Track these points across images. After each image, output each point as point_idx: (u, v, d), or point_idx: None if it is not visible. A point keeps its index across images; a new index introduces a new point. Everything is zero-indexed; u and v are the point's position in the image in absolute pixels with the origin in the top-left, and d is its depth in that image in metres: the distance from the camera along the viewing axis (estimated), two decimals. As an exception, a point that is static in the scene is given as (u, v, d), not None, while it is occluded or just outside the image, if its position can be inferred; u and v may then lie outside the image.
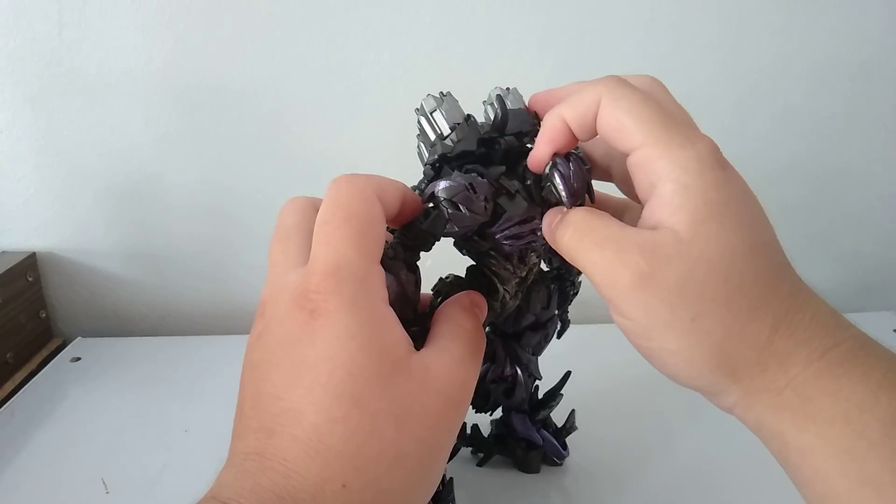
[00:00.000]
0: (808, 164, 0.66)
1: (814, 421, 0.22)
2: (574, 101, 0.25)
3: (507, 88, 0.30)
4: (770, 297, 0.23)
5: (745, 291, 0.22)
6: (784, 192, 0.65)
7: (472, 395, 0.26)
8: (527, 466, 0.42)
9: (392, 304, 0.25)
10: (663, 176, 0.23)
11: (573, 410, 0.43)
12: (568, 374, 0.42)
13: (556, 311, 0.37)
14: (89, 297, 0.64)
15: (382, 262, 0.26)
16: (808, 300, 0.23)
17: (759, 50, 0.60)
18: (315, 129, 0.60)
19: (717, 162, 0.23)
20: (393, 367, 0.23)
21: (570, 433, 0.43)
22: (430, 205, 0.27)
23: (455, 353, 0.25)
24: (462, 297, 0.30)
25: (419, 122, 0.29)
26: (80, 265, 0.63)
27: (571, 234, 0.26)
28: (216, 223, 0.63)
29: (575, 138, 0.26)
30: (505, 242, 0.29)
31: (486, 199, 0.27)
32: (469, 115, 0.29)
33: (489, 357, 0.39)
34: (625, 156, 0.25)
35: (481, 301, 0.30)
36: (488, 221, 0.28)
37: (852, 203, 0.68)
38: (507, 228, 0.28)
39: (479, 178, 0.27)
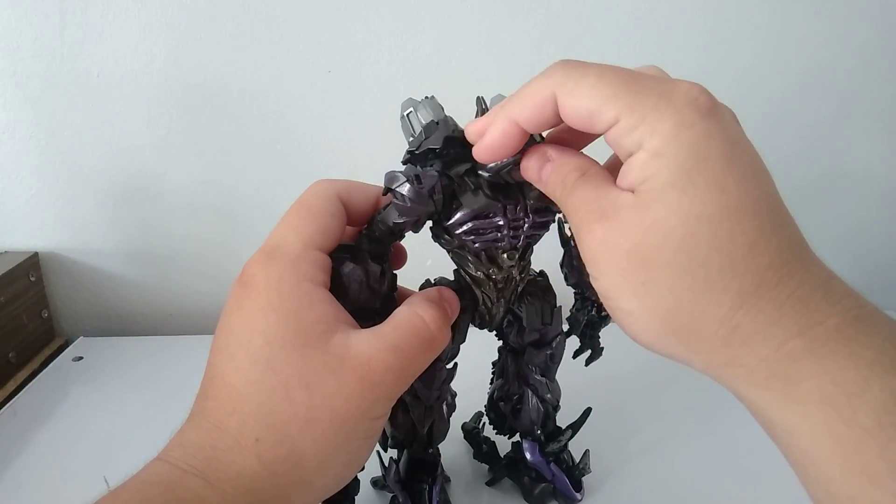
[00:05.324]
0: (807, 165, 0.66)
1: (798, 402, 0.21)
2: (524, 103, 0.24)
3: None
4: (737, 268, 0.21)
5: (703, 262, 0.21)
6: (782, 193, 0.65)
7: (399, 383, 0.26)
8: (532, 498, 0.39)
9: (357, 291, 0.28)
10: (640, 144, 0.22)
11: (587, 451, 0.39)
12: (588, 410, 0.39)
13: (563, 331, 0.36)
14: (91, 297, 0.65)
15: (353, 252, 0.28)
16: (793, 270, 0.21)
17: (756, 51, 0.60)
18: (316, 130, 0.60)
19: (698, 112, 0.21)
20: (308, 340, 0.25)
21: (583, 475, 0.39)
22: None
23: (389, 339, 0.26)
24: (432, 289, 0.31)
25: (401, 122, 0.31)
26: (82, 265, 0.63)
27: (558, 186, 0.26)
28: (217, 223, 0.63)
29: (527, 134, 0.26)
30: (466, 238, 0.29)
31: (433, 191, 0.28)
32: (444, 118, 0.29)
33: (499, 373, 0.39)
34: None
35: (452, 298, 0.31)
36: (444, 215, 0.29)
37: (851, 204, 0.68)
38: (466, 223, 0.29)
39: (433, 171, 0.28)
